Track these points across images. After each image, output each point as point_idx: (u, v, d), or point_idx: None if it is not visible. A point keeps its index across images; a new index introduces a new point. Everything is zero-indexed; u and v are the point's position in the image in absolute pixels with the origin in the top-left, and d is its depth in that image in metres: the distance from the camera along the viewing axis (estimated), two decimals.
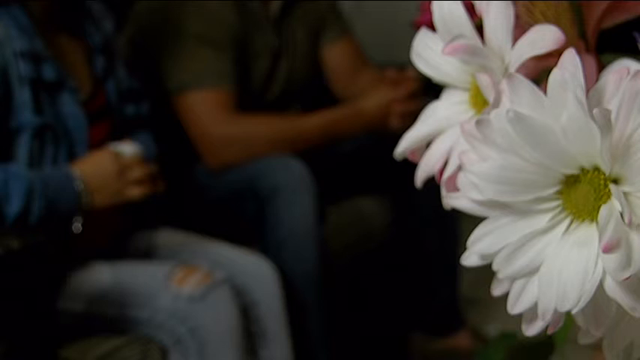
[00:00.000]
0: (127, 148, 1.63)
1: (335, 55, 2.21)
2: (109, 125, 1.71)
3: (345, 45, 2.21)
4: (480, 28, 0.52)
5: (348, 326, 2.04)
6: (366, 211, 2.19)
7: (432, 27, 0.56)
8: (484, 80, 0.49)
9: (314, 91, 2.21)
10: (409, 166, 1.67)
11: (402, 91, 2.03)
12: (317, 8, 2.18)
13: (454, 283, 2.24)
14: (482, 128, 0.46)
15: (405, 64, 2.13)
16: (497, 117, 0.45)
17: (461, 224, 2.21)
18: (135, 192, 1.61)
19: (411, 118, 1.99)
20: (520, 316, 0.48)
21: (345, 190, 2.19)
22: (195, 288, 1.57)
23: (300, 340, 1.80)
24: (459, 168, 0.50)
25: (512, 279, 0.47)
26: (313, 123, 2.01)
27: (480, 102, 0.52)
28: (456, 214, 2.18)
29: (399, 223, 2.22)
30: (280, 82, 2.12)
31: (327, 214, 2.00)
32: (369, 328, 2.22)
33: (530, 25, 0.50)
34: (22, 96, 1.54)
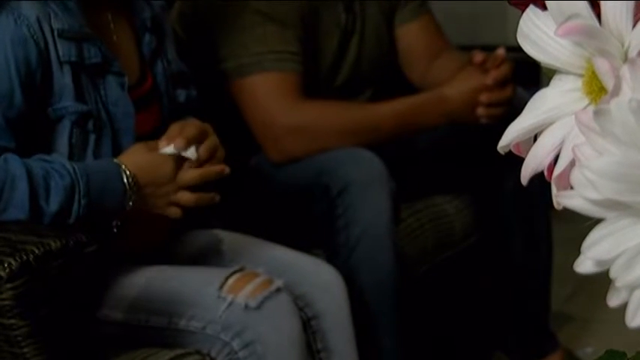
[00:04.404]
0: (188, 151, 1.63)
1: (411, 36, 2.21)
2: (157, 113, 1.73)
3: (422, 24, 2.22)
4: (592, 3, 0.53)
5: (422, 343, 2.04)
6: (444, 212, 2.19)
7: (531, 4, 0.57)
8: (603, 65, 0.50)
9: (387, 76, 2.22)
10: (493, 161, 1.65)
11: (490, 77, 2.01)
12: None
13: (545, 298, 2.23)
14: (600, 119, 0.47)
15: (489, 47, 2.12)
16: (618, 107, 0.46)
17: (553, 228, 2.20)
18: (180, 204, 1.61)
19: (500, 109, 1.98)
20: (626, 335, 0.49)
21: (421, 187, 2.19)
22: (251, 297, 1.59)
23: (368, 358, 1.81)
24: (573, 163, 0.51)
25: (632, 288, 0.48)
26: (388, 111, 2.01)
27: (596, 89, 0.53)
28: (547, 215, 2.17)
29: (482, 227, 2.21)
30: (350, 64, 2.13)
31: (401, 214, 2.01)
32: (447, 346, 2.22)
33: None
34: (63, 80, 1.57)
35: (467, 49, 2.21)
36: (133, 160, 1.58)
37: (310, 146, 1.96)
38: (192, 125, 1.64)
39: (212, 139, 1.65)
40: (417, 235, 2.10)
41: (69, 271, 1.43)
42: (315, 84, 2.04)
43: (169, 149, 1.61)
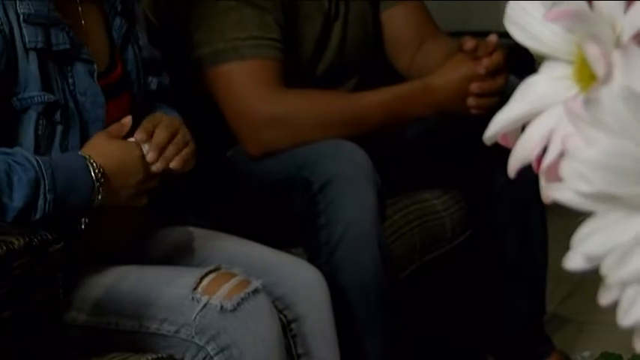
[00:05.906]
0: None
1: (398, 21, 2.22)
2: (127, 101, 1.74)
3: (410, 9, 2.22)
4: None
5: (409, 347, 2.05)
6: (432, 208, 2.20)
7: None
8: (593, 51, 0.50)
9: (372, 64, 2.22)
10: (485, 155, 1.65)
11: (482, 65, 2.01)
12: None
13: (539, 299, 2.24)
14: (590, 108, 0.47)
15: (481, 33, 2.13)
16: (608, 95, 0.47)
17: (548, 224, 2.20)
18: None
19: (492, 99, 1.98)
20: (623, 338, 0.49)
21: (408, 182, 2.20)
22: (227, 298, 1.59)
23: None
24: (562, 154, 0.51)
25: (624, 285, 0.49)
26: (373, 101, 2.01)
27: (586, 77, 0.54)
28: (542, 212, 2.17)
29: (473, 224, 2.22)
30: (333, 51, 2.13)
31: (386, 211, 2.01)
32: (436, 350, 2.23)
33: None
34: (28, 68, 1.57)
35: (457, 35, 2.20)
36: (100, 151, 1.58)
37: (290, 138, 1.96)
38: (162, 128, 1.65)
39: (182, 134, 1.67)
40: (403, 232, 2.10)
41: (33, 271, 1.43)
42: (295, 72, 2.04)
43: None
